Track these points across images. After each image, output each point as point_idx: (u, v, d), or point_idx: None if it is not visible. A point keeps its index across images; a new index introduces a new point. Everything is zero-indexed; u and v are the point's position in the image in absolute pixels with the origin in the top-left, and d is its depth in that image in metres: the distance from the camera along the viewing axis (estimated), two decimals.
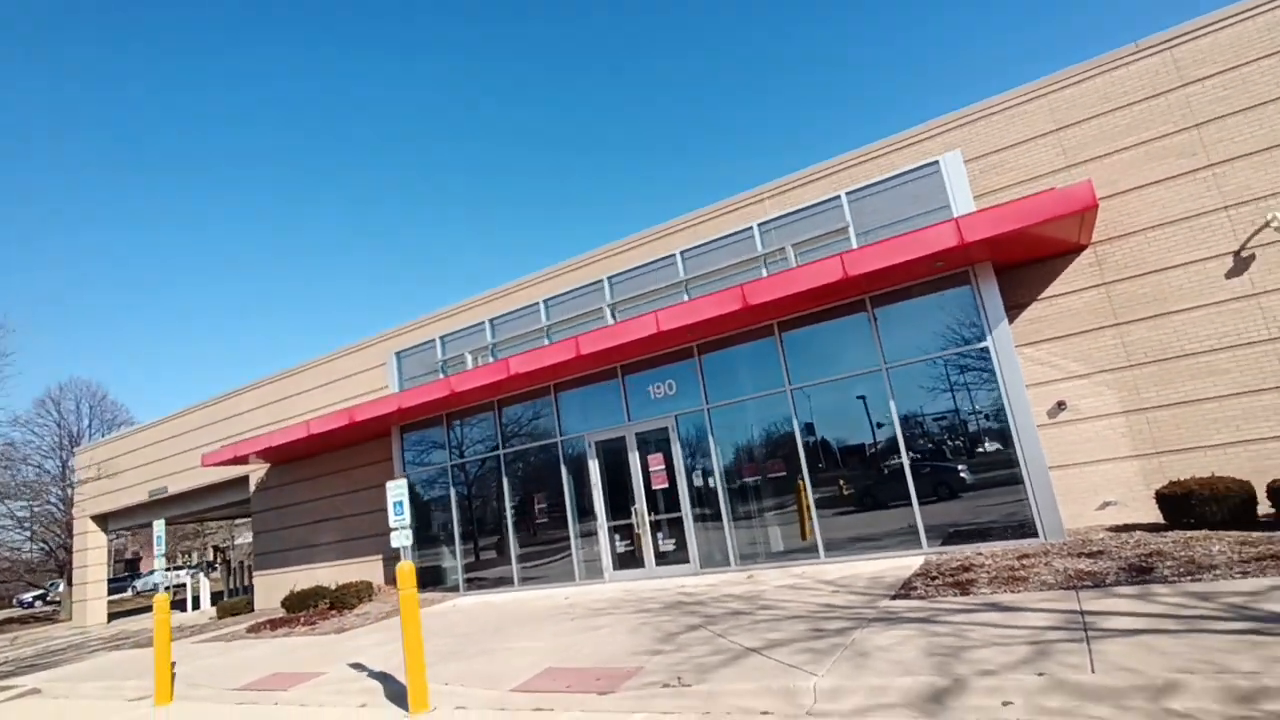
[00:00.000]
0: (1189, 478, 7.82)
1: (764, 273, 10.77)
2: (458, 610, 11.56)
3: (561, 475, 12.39)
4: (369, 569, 15.77)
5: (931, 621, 5.76)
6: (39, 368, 61.94)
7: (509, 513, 12.99)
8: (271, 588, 17.85)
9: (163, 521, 9.14)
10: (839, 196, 10.32)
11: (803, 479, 10.06)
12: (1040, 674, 4.17)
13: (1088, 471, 8.94)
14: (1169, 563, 6.22)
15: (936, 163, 9.65)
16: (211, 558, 43.21)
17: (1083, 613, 5.27)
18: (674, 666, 5.86)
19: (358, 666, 8.21)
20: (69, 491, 28.94)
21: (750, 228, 11.06)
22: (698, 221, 12.29)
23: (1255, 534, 6.73)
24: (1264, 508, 7.35)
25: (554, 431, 12.58)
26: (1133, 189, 8.96)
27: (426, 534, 14.36)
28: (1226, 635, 4.30)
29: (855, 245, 10.00)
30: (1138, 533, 7.82)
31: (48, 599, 46.78)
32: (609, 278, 12.49)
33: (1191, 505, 7.49)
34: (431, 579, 14.09)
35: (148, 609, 29.88)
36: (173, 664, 8.46)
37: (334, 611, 13.04)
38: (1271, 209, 8.14)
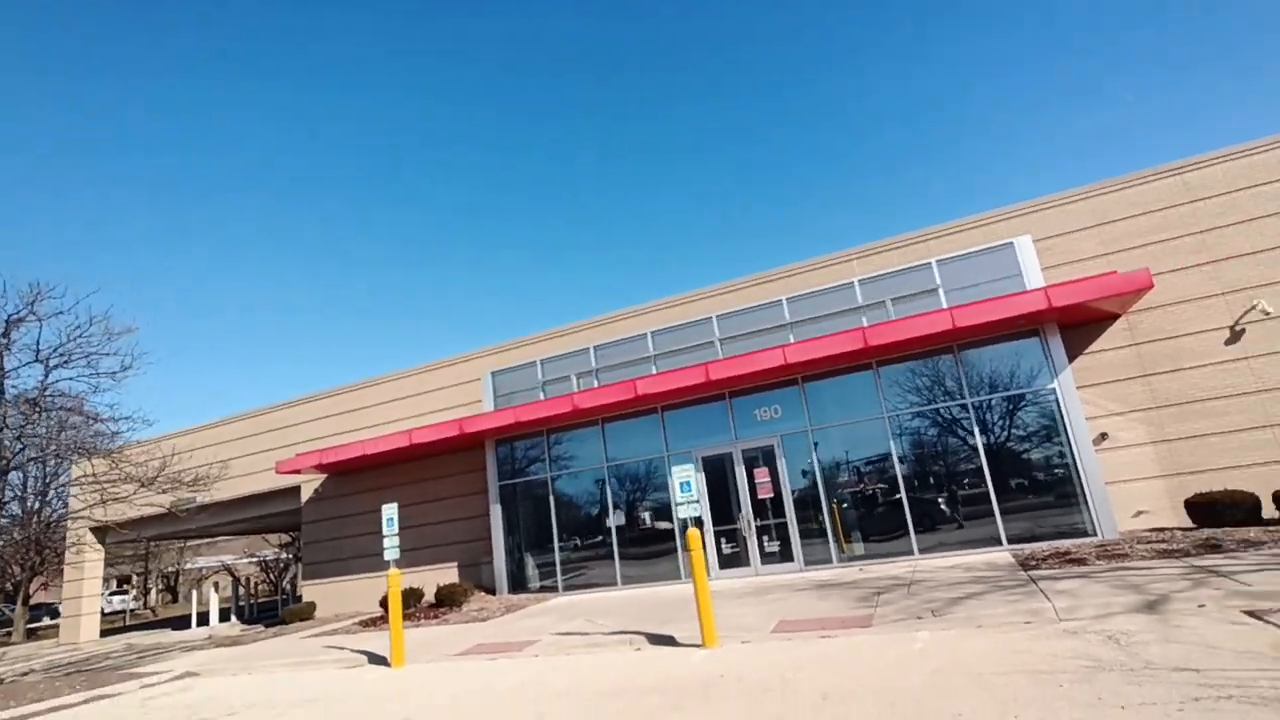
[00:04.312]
0: (1214, 490, 10.54)
1: (864, 320, 13.14)
2: (577, 605, 12.81)
3: (668, 486, 14.08)
4: (442, 575, 16.63)
5: (1087, 577, 7.99)
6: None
7: (612, 520, 14.49)
8: (327, 595, 18.27)
9: (395, 505, 10.26)
10: (930, 263, 12.92)
11: (899, 491, 12.28)
12: (1217, 589, 6.44)
13: (1124, 488, 11.56)
14: (1226, 541, 8.76)
15: (1011, 243, 12.44)
16: (154, 582, 40.94)
17: (1198, 566, 7.64)
18: (905, 610, 7.78)
19: (568, 633, 9.59)
20: (36, 505, 27.49)
21: (851, 283, 13.48)
22: (790, 274, 14.56)
23: (1269, 527, 9.42)
24: (1268, 512, 10.10)
25: (660, 447, 14.30)
26: (1155, 275, 11.88)
27: (515, 541, 15.61)
28: None
29: (945, 303, 12.54)
30: (1176, 531, 10.45)
31: None
32: (717, 316, 14.56)
33: (1217, 510, 10.17)
34: (516, 584, 15.30)
35: (128, 628, 28.40)
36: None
37: (445, 609, 14.02)
38: (1257, 297, 11.20)
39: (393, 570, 9.80)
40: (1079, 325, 12.05)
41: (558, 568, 14.87)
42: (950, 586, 8.75)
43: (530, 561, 15.50)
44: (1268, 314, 11.11)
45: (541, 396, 15.78)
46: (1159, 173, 12.25)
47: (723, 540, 13.48)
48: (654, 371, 14.74)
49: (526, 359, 16.43)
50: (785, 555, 12.92)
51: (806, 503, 13.03)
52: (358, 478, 18.40)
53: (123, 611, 34.69)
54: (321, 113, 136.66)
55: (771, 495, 13.19)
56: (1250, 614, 5.82)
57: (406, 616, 13.88)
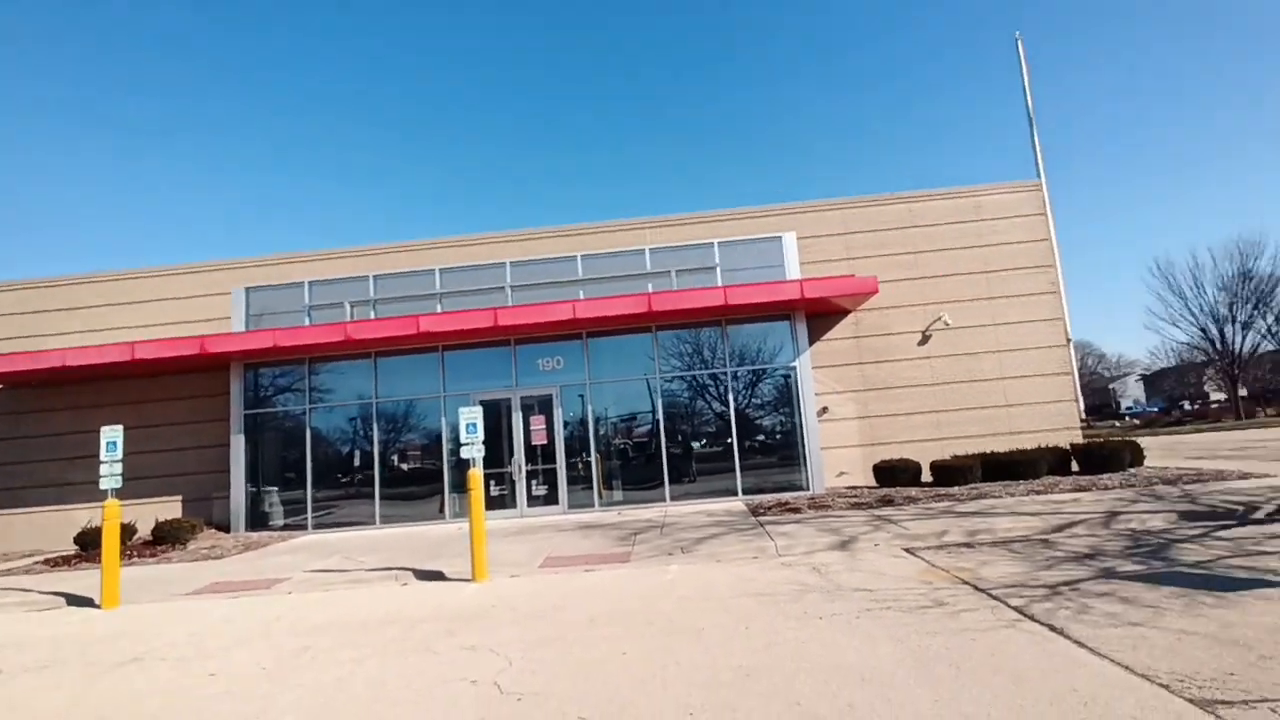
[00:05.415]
0: (891, 459, 13.31)
1: (649, 287, 14.06)
2: (331, 543, 12.19)
3: (441, 427, 13.88)
4: (162, 510, 14.58)
5: (801, 523, 9.70)
6: None
7: (375, 457, 13.90)
8: None
9: (120, 428, 8.68)
10: (713, 244, 14.20)
11: (659, 444, 13.54)
12: (888, 532, 8.29)
13: (833, 453, 14.04)
14: (897, 498, 11.21)
15: (780, 237, 14.14)
16: None
17: (877, 515, 9.71)
18: (658, 549, 8.78)
19: (325, 570, 9.19)
20: None
21: (643, 250, 14.29)
22: (588, 233, 14.97)
23: (927, 489, 12.22)
24: (926, 476, 13.05)
25: (437, 387, 13.98)
26: (880, 282, 14.41)
27: (259, 475, 14.27)
28: (951, 516, 8.98)
29: (720, 280, 13.92)
30: (865, 489, 13.03)
31: None
32: (511, 262, 14.47)
33: (893, 474, 12.90)
34: (257, 521, 14.07)
35: None
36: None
37: (166, 547, 12.38)
38: (943, 310, 14.20)
39: (111, 500, 8.45)
40: (821, 315, 14.21)
41: (309, 505, 13.90)
42: (696, 529, 10.00)
43: (276, 497, 14.28)
44: (948, 325, 14.15)
45: (307, 321, 14.44)
46: (894, 198, 14.78)
47: (491, 483, 13.67)
48: (439, 310, 14.29)
49: (291, 278, 14.83)
50: (551, 499, 13.56)
51: (575, 451, 13.76)
52: (50, 393, 15.21)
53: None
54: None
55: (545, 442, 13.69)
56: (907, 550, 7.64)
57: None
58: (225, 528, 14.00)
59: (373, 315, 14.39)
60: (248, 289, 14.74)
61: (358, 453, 14.24)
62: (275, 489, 14.37)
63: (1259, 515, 8.08)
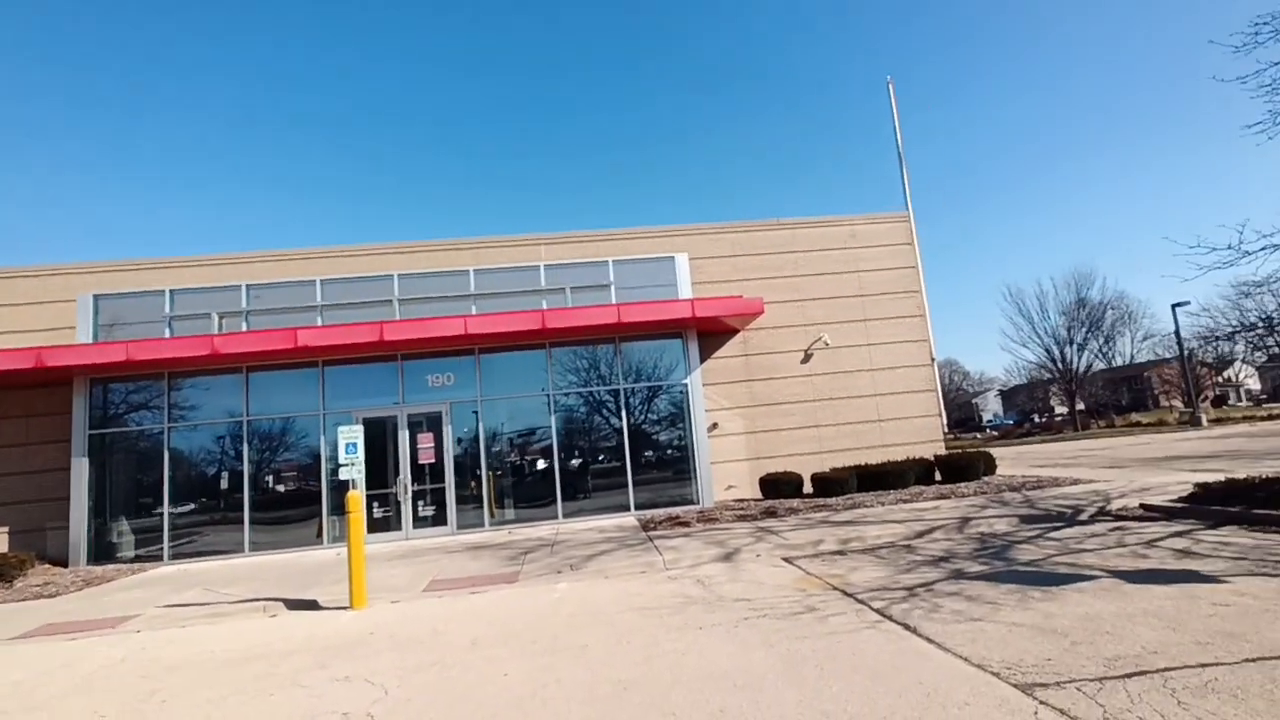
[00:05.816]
0: (775, 472, 13.93)
1: (544, 303, 14.05)
2: (192, 575, 11.25)
3: (320, 446, 13.14)
4: None
5: (689, 536, 9.95)
6: None
7: (246, 480, 12.94)
8: None
9: None
10: (607, 262, 14.38)
11: (553, 461, 13.48)
12: (769, 543, 8.67)
13: (722, 467, 14.51)
14: (780, 509, 11.72)
15: (673, 257, 14.55)
16: None
17: (761, 527, 10.12)
18: (548, 567, 8.73)
19: (182, 605, 8.46)
20: None
21: (537, 266, 14.25)
22: (481, 246, 14.75)
23: (808, 500, 12.87)
24: (807, 489, 13.75)
25: (317, 405, 13.24)
26: (766, 303, 15.13)
27: (106, 502, 12.93)
28: (827, 526, 9.51)
29: (615, 298, 14.12)
30: (752, 501, 13.54)
31: None
32: (399, 275, 14.00)
33: (777, 486, 13.50)
34: (103, 553, 12.74)
35: None
36: None
37: None
38: (823, 331, 15.09)
39: None
40: (712, 334, 14.70)
41: (165, 534, 12.71)
42: (587, 546, 10.02)
43: (126, 526, 12.96)
44: (827, 345, 15.04)
45: (168, 333, 13.31)
46: (778, 224, 15.61)
47: (375, 504, 13.09)
48: (320, 323, 13.59)
49: (150, 285, 13.62)
50: (439, 519, 13.14)
51: (466, 469, 13.43)
52: None
53: None
54: None
55: (433, 461, 13.28)
56: (786, 560, 8.03)
57: None
58: (63, 562, 12.55)
59: (245, 327, 13.47)
60: (96, 296, 13.39)
61: (226, 474, 13.20)
62: (127, 517, 13.04)
63: (1083, 517, 9.13)
